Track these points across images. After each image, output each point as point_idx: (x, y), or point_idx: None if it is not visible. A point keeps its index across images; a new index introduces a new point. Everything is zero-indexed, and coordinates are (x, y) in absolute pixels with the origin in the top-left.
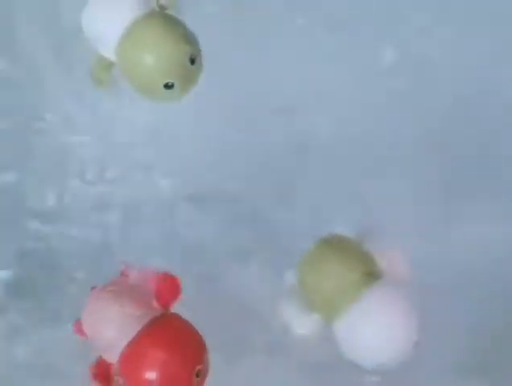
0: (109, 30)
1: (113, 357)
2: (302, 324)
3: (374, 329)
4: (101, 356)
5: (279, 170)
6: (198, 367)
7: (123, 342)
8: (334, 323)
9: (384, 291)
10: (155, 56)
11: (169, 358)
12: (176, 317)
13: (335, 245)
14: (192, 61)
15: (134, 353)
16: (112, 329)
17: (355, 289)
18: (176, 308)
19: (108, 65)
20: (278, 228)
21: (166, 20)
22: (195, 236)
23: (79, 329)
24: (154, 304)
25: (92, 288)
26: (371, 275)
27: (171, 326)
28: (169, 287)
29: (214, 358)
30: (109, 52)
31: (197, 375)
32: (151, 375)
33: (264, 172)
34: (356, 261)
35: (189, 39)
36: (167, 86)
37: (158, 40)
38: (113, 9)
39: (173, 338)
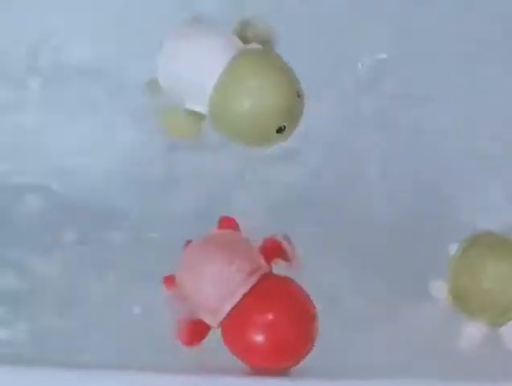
0: (200, 78)
1: (214, 317)
2: (466, 337)
3: None
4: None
5: None
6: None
7: (230, 301)
8: (507, 325)
9: None
10: (266, 101)
11: (289, 324)
12: (288, 278)
13: (489, 243)
14: (299, 95)
15: (248, 315)
16: (218, 286)
17: None
18: None
19: (197, 119)
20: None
21: (267, 58)
22: None
23: (171, 284)
24: (261, 260)
25: (188, 241)
26: None
27: (289, 289)
28: (274, 245)
29: None
30: (199, 104)
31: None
32: (265, 339)
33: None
34: None
35: (292, 72)
36: (279, 130)
37: (265, 83)
38: (202, 53)
39: (291, 303)
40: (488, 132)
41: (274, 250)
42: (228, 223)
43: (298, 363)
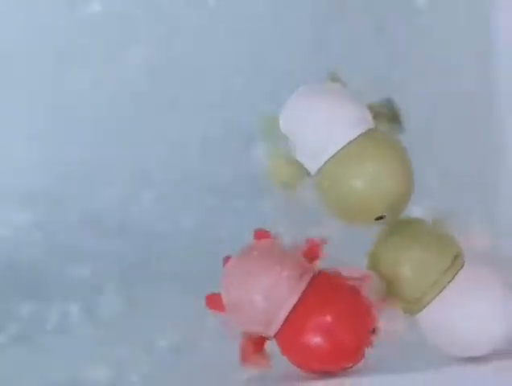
0: (322, 140)
1: (269, 328)
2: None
3: (471, 315)
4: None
5: None
6: (373, 325)
7: (284, 309)
8: (421, 313)
9: (476, 275)
10: (377, 189)
11: (347, 323)
12: (335, 275)
13: (415, 230)
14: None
15: (303, 320)
16: (272, 296)
17: (446, 276)
18: None
19: (302, 172)
20: None
21: (394, 148)
22: None
23: (216, 304)
24: (306, 262)
25: (226, 258)
26: (458, 258)
27: (339, 287)
28: (314, 245)
29: None
30: (310, 162)
31: (373, 332)
32: (324, 342)
33: None
34: (441, 246)
35: (410, 167)
36: (379, 218)
37: (383, 173)
38: (332, 116)
39: (344, 301)
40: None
41: (316, 252)
42: (263, 233)
43: (359, 361)
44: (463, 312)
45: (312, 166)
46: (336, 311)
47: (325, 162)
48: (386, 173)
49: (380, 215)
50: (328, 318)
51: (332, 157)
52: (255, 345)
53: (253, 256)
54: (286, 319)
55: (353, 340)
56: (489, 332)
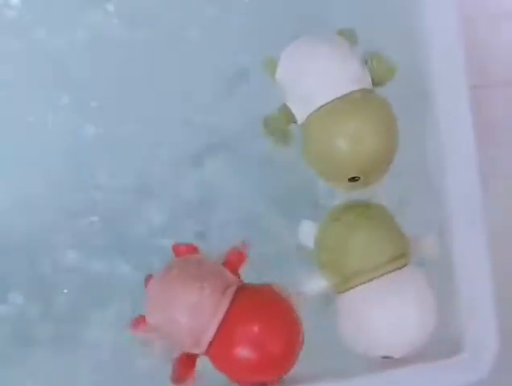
0: (315, 91)
1: (199, 346)
2: (311, 284)
3: (382, 315)
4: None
5: None
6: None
7: (211, 327)
8: (341, 295)
9: (404, 281)
10: (350, 148)
11: (275, 333)
12: (262, 286)
13: (369, 217)
14: (388, 159)
15: (231, 333)
16: (196, 315)
17: (375, 272)
18: None
19: (289, 119)
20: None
21: (382, 113)
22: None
23: (140, 326)
24: (229, 275)
25: (148, 276)
26: (397, 260)
27: (266, 297)
28: (236, 254)
29: None
30: (298, 110)
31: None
32: (253, 353)
33: None
34: (386, 243)
35: (396, 134)
36: (353, 179)
37: (361, 135)
38: (329, 70)
39: (271, 311)
40: None
41: (238, 261)
42: (183, 248)
43: (290, 369)
44: (378, 311)
45: (301, 113)
46: (263, 322)
47: (314, 111)
48: (368, 135)
49: (353, 176)
50: (256, 330)
51: (321, 107)
52: (187, 363)
53: (173, 275)
54: (215, 335)
55: (282, 348)
56: (400, 335)
